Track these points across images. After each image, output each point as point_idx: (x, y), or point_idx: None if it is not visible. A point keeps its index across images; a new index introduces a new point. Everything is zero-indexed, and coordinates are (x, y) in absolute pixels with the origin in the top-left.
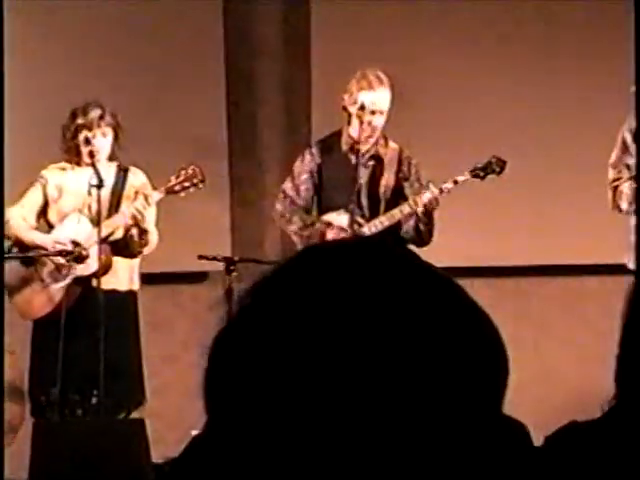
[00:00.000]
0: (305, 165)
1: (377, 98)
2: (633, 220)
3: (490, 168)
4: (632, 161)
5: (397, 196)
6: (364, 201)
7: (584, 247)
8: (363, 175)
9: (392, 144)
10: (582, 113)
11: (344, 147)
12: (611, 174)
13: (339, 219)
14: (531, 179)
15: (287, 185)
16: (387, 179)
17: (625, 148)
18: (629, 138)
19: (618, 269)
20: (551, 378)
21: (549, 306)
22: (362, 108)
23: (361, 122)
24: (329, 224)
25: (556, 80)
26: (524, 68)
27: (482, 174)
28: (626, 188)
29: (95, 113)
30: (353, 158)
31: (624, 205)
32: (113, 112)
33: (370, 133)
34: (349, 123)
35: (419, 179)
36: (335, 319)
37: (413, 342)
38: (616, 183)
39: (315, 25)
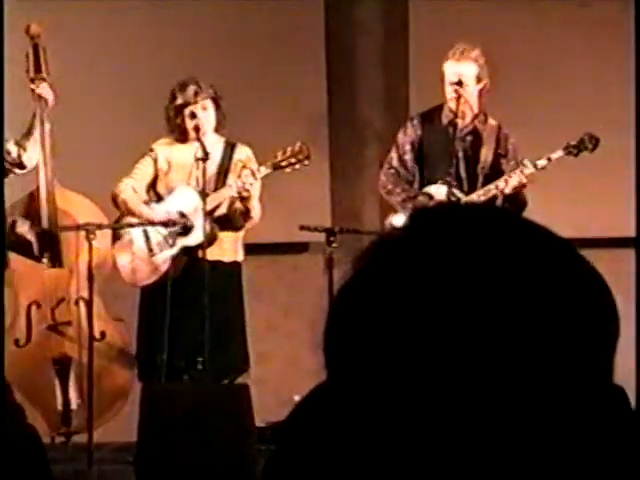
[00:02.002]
0: (407, 136)
1: (459, 69)
2: None
3: (583, 145)
4: None
5: (495, 172)
6: (463, 175)
7: None
8: (461, 149)
9: (491, 121)
10: None
11: (444, 120)
12: None
13: (439, 191)
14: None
15: (392, 156)
16: (485, 155)
17: None
18: None
19: None
20: None
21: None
22: (446, 78)
23: (447, 92)
24: (431, 197)
25: None
26: (614, 49)
27: (575, 151)
28: None
29: (192, 89)
30: (452, 132)
31: None
32: (211, 84)
33: (457, 105)
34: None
35: (516, 157)
36: (451, 279)
37: (528, 302)
38: None
39: (413, 4)
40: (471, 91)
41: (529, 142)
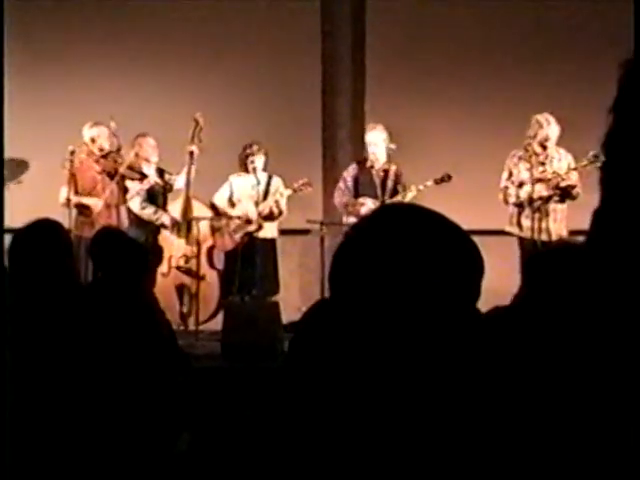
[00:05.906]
0: (349, 173)
1: (372, 136)
2: (511, 208)
3: (442, 178)
4: (515, 178)
5: (394, 192)
6: (379, 193)
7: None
8: (378, 180)
9: (392, 165)
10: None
11: (368, 165)
12: (502, 184)
13: (367, 200)
14: (467, 185)
15: (340, 184)
16: (390, 182)
17: (510, 173)
18: (511, 165)
19: (501, 233)
20: None
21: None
22: (367, 143)
23: (369, 152)
24: (362, 204)
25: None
26: (469, 121)
27: (439, 182)
28: (512, 192)
29: (254, 147)
30: (373, 171)
31: (511, 200)
32: (263, 144)
33: (374, 157)
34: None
35: (404, 183)
36: (396, 241)
37: (431, 254)
38: (505, 189)
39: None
40: (382, 150)
41: (415, 176)
